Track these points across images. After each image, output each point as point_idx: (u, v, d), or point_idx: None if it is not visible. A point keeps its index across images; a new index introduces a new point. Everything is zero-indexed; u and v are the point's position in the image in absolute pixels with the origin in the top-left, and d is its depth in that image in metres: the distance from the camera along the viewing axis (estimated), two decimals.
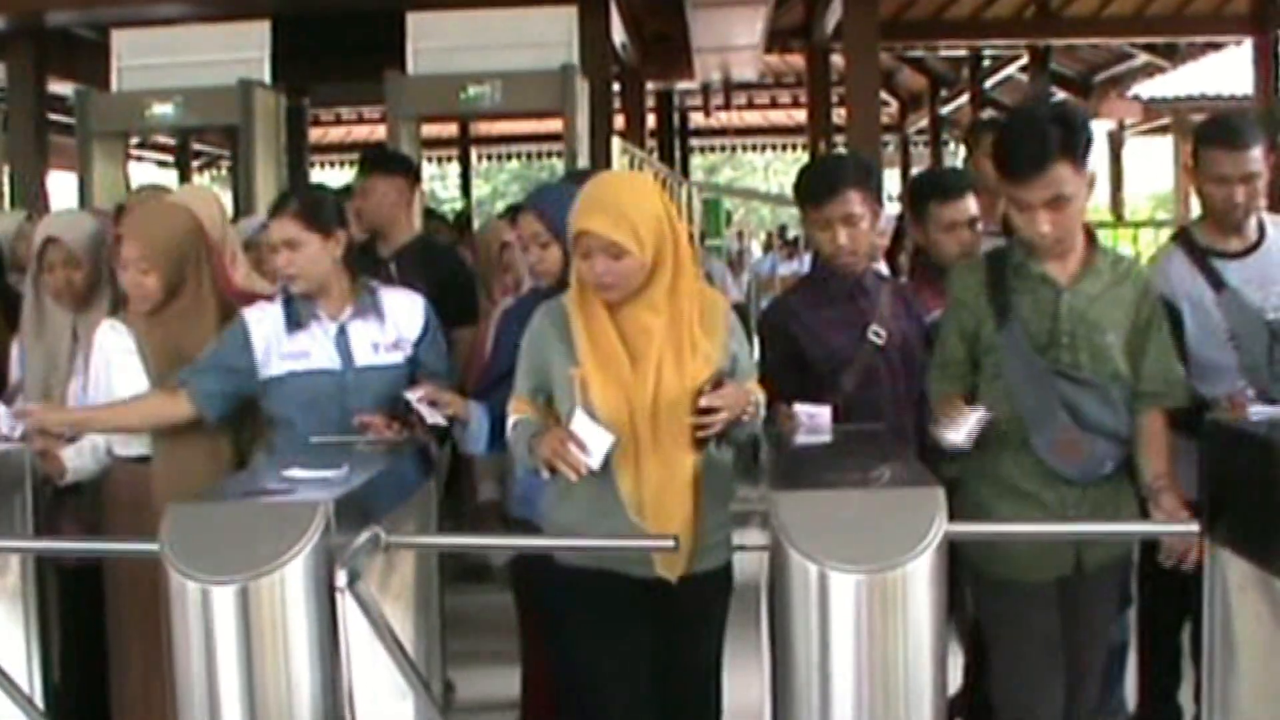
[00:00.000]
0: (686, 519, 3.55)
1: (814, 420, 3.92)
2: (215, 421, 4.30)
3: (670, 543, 3.34)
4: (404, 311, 4.41)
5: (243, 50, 8.49)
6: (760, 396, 3.71)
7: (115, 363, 4.39)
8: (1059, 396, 3.77)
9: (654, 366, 3.54)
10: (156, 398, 4.32)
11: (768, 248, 19.78)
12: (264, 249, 5.05)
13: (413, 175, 6.17)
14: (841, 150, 13.40)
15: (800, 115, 19.05)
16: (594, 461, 3.42)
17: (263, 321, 4.29)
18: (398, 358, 4.33)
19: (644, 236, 3.50)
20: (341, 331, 4.29)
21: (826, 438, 3.90)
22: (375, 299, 4.37)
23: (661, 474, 3.54)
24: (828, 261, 4.31)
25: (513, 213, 6.75)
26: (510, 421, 3.72)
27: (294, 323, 4.27)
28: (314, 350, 4.27)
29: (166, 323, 4.43)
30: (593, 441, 3.43)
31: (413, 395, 4.10)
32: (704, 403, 3.48)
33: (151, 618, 3.98)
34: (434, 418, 4.08)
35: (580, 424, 3.44)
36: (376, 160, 6.26)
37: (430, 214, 9.67)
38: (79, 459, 4.37)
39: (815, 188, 4.32)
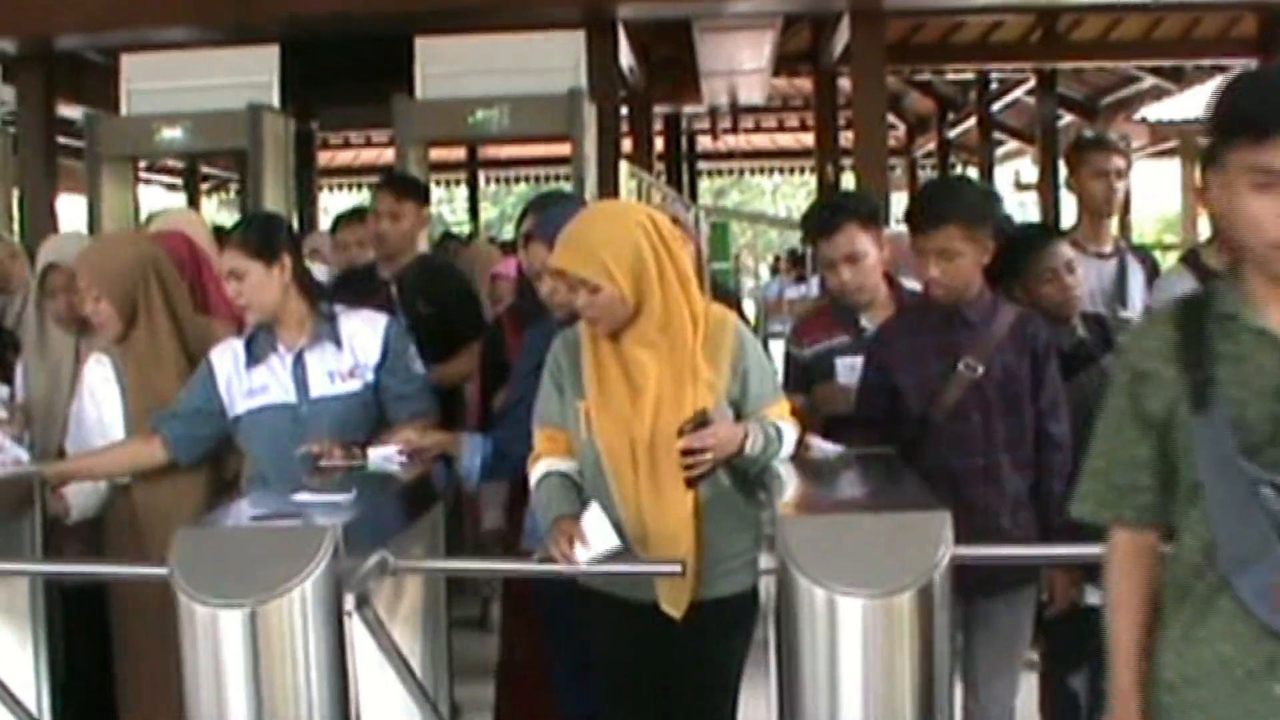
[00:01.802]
0: (688, 552, 3.50)
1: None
2: (193, 464, 4.33)
3: (676, 567, 3.35)
4: (362, 336, 4.36)
5: (251, 74, 8.51)
6: (783, 425, 3.66)
7: (97, 393, 4.43)
8: (1272, 521, 2.41)
9: (651, 401, 3.52)
10: (133, 444, 4.36)
11: (775, 271, 19.79)
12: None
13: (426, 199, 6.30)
14: (835, 179, 13.49)
15: (808, 139, 19.05)
16: (584, 556, 3.36)
17: (225, 359, 4.31)
18: (355, 385, 4.30)
19: (617, 271, 3.49)
20: (298, 361, 4.28)
21: None
22: (333, 326, 4.34)
23: (660, 508, 3.52)
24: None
25: (503, 246, 6.87)
26: (538, 470, 3.67)
27: (253, 357, 4.28)
28: (271, 384, 4.27)
29: (133, 350, 4.45)
30: (596, 537, 3.37)
31: (382, 452, 4.04)
32: (682, 444, 3.46)
33: (157, 635, 4.01)
34: (389, 467, 4.02)
35: (590, 519, 3.40)
36: (408, 185, 6.30)
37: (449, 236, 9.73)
38: (82, 496, 4.38)
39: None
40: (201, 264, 4.74)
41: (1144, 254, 5.42)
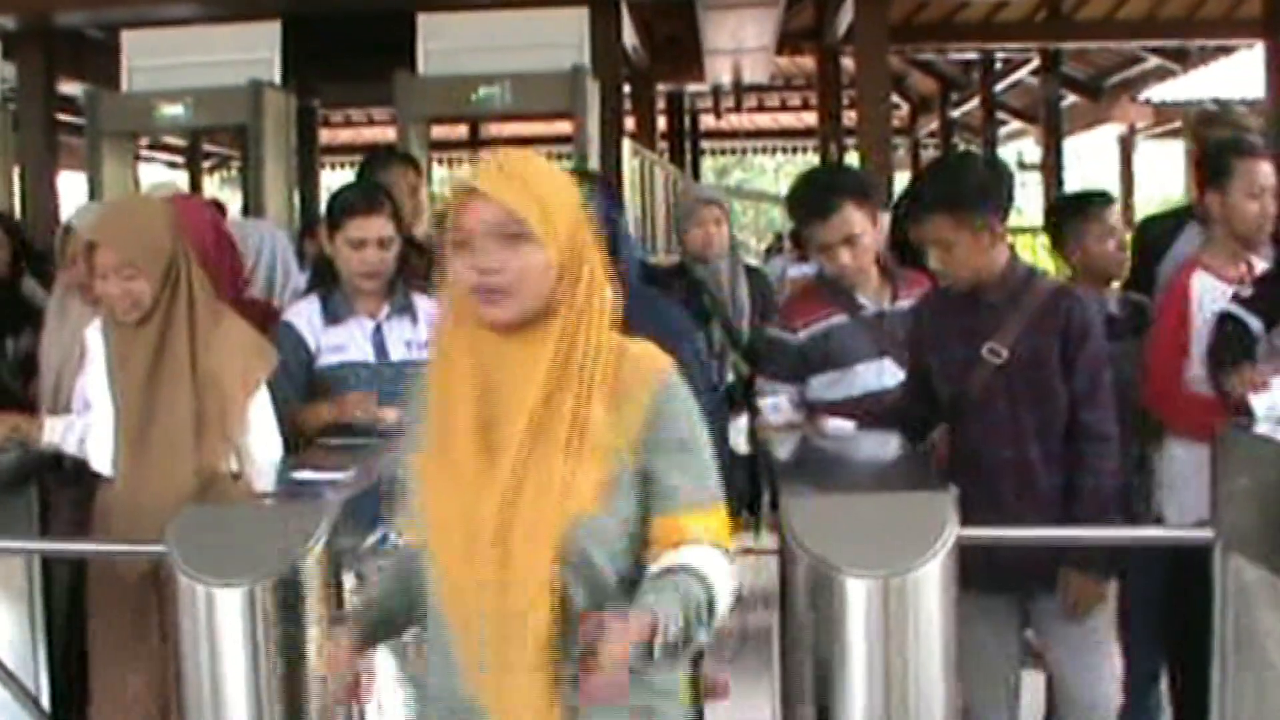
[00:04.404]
0: (543, 701, 2.28)
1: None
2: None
3: None
4: (432, 312, 4.40)
5: (253, 51, 8.48)
6: (713, 573, 2.30)
7: (91, 364, 4.21)
8: None
9: (514, 454, 2.29)
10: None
11: (778, 250, 19.77)
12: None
13: None
14: (837, 159, 13.44)
15: (810, 118, 19.03)
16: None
17: (301, 316, 4.34)
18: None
19: (558, 224, 2.34)
20: (378, 330, 4.33)
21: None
22: (409, 300, 4.39)
23: (508, 628, 2.27)
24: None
25: None
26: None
27: (331, 316, 4.31)
28: (349, 344, 4.30)
29: (141, 342, 3.95)
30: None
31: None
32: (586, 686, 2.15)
33: (125, 617, 3.97)
34: None
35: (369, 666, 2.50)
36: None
37: None
38: (61, 424, 4.12)
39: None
40: (224, 242, 4.59)
41: None
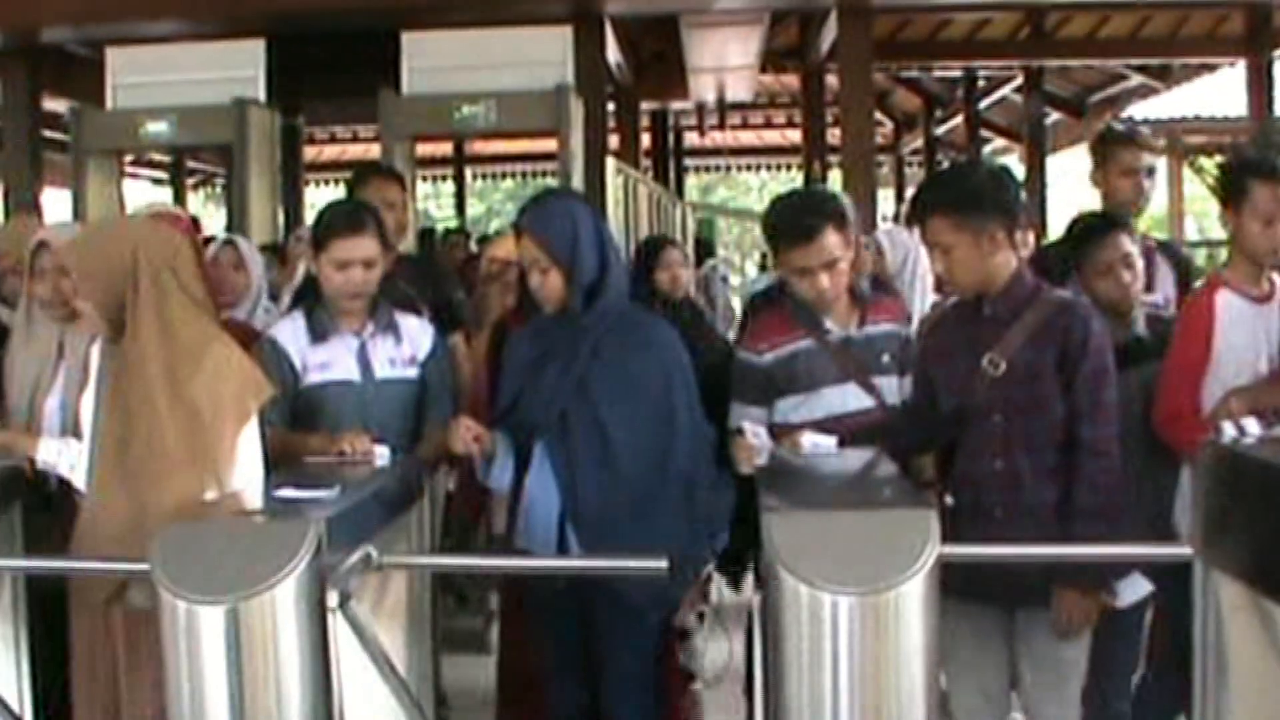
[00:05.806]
0: None
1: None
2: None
3: (663, 562, 3.32)
4: (417, 331, 4.49)
5: (237, 68, 8.51)
6: None
7: (90, 384, 4.05)
8: None
9: None
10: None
11: (763, 268, 19.80)
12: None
13: None
14: (820, 176, 13.44)
15: (795, 135, 19.04)
16: None
17: (285, 333, 4.37)
18: (413, 372, 4.40)
19: None
20: (362, 348, 4.36)
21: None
22: (392, 318, 4.44)
23: None
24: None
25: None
26: None
27: (317, 334, 4.34)
28: (335, 362, 4.33)
29: (120, 361, 3.88)
30: None
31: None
32: None
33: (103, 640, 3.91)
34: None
35: None
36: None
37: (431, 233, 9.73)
38: (57, 445, 4.09)
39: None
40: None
41: (1173, 250, 5.22)
